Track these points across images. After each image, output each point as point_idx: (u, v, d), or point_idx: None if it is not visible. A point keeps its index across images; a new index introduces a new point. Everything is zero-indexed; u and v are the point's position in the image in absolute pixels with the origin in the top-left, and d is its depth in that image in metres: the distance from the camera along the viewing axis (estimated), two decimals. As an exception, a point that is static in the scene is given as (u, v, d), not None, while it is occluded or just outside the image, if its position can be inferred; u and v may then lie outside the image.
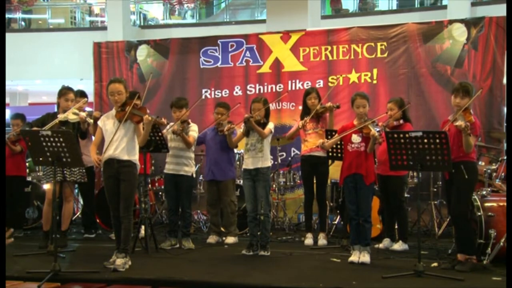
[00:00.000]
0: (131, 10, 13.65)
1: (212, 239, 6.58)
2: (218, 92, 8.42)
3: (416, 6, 12.73)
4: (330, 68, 7.99)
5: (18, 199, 7.11)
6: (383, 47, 7.78)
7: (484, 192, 5.43)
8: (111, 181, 5.11)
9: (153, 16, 15.77)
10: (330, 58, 7.99)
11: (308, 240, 6.39)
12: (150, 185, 7.20)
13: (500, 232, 5.06)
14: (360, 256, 5.27)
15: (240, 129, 6.02)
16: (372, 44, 7.82)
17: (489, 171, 6.02)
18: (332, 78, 7.89)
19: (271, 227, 6.35)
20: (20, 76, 12.86)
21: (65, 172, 6.02)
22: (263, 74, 8.27)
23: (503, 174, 5.97)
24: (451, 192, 5.07)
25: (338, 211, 7.05)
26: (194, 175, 6.56)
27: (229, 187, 6.62)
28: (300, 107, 6.77)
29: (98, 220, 7.20)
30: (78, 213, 8.07)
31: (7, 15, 13.52)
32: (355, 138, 5.36)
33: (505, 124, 7.19)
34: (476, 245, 5.08)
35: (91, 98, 8.28)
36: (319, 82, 7.95)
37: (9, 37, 9.55)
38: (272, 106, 6.70)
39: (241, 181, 6.28)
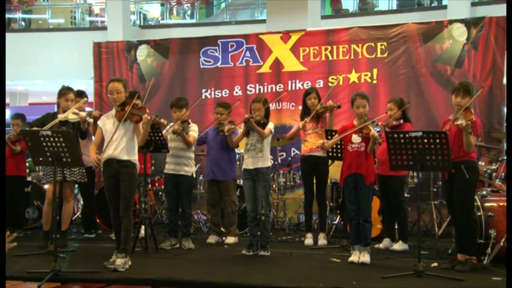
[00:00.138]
0: (131, 10, 13.64)
1: (212, 239, 6.58)
2: (218, 92, 8.42)
3: (416, 6, 12.75)
4: (330, 68, 8.00)
5: (18, 199, 7.12)
6: (383, 47, 7.78)
7: (484, 192, 5.43)
8: (111, 181, 5.11)
9: (153, 16, 15.77)
10: (330, 58, 7.99)
11: (308, 240, 6.39)
12: (150, 185, 7.20)
13: (500, 232, 5.06)
14: (360, 256, 5.27)
15: (240, 129, 6.02)
16: (372, 44, 7.83)
17: (489, 171, 6.02)
18: (332, 78, 7.90)
19: (271, 227, 6.35)
20: (20, 76, 12.85)
21: (65, 172, 6.02)
22: (263, 74, 8.28)
23: (503, 174, 5.97)
24: (451, 192, 5.07)
25: (338, 211, 7.05)
26: (194, 175, 6.56)
27: (230, 187, 6.62)
28: (300, 107, 6.77)
29: (98, 220, 7.20)
30: (78, 213, 8.06)
31: (7, 15, 13.51)
32: (355, 138, 5.36)
33: (505, 124, 7.20)
34: (476, 246, 5.08)
35: (91, 98, 8.29)
36: (319, 82, 7.96)
37: (9, 37, 9.55)
38: (272, 106, 6.70)
39: (241, 181, 6.28)
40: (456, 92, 5.02)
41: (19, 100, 16.70)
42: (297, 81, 8.09)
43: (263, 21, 10.38)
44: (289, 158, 7.78)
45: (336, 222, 7.19)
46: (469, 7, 10.66)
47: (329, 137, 5.92)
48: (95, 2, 15.58)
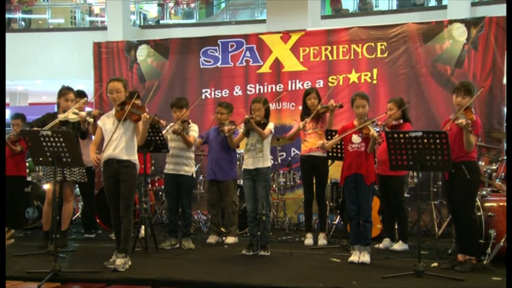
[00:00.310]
0: (131, 10, 13.64)
1: (212, 239, 6.58)
2: (218, 92, 8.42)
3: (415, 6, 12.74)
4: (330, 68, 7.99)
5: (18, 199, 7.12)
6: (383, 47, 7.78)
7: (484, 192, 5.43)
8: (111, 181, 5.12)
9: (153, 16, 15.78)
10: (330, 58, 7.99)
11: (308, 240, 6.39)
12: (150, 185, 7.20)
13: (500, 232, 5.06)
14: (360, 256, 5.27)
15: (241, 129, 6.03)
16: (372, 44, 7.82)
17: (489, 171, 6.02)
18: (332, 78, 7.89)
19: (271, 227, 6.35)
20: (20, 76, 12.86)
21: (65, 172, 6.02)
22: (263, 74, 8.27)
23: (503, 174, 5.97)
24: (452, 193, 5.07)
25: (338, 211, 7.04)
26: (194, 175, 6.56)
27: (231, 187, 6.62)
28: (300, 107, 6.78)
29: (98, 220, 7.20)
30: (78, 213, 8.07)
31: (7, 15, 13.51)
32: (355, 138, 5.37)
33: (505, 124, 7.20)
34: (477, 246, 5.08)
35: (91, 98, 8.28)
36: (319, 82, 7.95)
37: (9, 37, 9.56)
38: (272, 106, 6.70)
39: (241, 181, 6.28)
40: (457, 92, 5.02)
41: (19, 100, 16.70)
42: (297, 81, 8.09)
43: (263, 21, 10.38)
44: (289, 158, 7.77)
45: (336, 222, 7.19)
46: (469, 7, 10.67)
47: (329, 137, 5.93)
48: (95, 2, 15.58)
